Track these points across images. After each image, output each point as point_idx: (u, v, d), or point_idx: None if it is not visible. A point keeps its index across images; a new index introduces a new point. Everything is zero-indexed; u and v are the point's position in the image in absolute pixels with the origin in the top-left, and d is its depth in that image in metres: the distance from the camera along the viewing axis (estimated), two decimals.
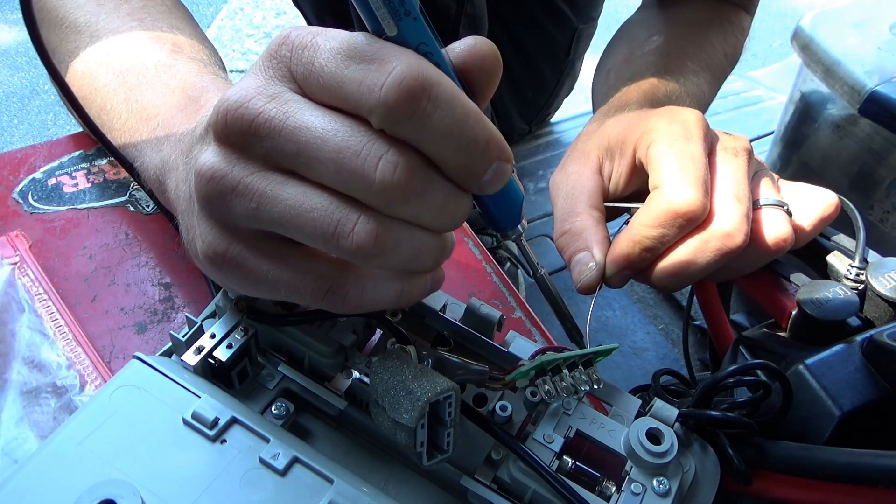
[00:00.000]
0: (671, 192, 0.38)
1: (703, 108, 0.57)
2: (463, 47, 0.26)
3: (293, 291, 0.28)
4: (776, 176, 0.43)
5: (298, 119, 0.25)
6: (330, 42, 0.25)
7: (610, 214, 0.44)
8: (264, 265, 0.28)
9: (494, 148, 0.25)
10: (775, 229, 0.39)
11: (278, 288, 0.28)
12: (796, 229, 0.40)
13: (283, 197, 0.26)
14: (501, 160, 0.26)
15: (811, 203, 0.42)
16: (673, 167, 0.38)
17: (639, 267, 0.40)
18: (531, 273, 0.38)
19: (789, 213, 0.40)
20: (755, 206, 0.40)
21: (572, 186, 0.43)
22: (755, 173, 0.42)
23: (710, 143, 0.41)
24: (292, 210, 0.26)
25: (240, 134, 0.26)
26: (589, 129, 0.49)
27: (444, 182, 0.26)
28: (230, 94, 0.26)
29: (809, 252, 0.45)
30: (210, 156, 0.27)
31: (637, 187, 0.44)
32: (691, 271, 0.38)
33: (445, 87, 0.24)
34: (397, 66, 0.24)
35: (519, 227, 0.32)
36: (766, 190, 0.41)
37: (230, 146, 0.27)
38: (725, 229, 0.37)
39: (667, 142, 0.40)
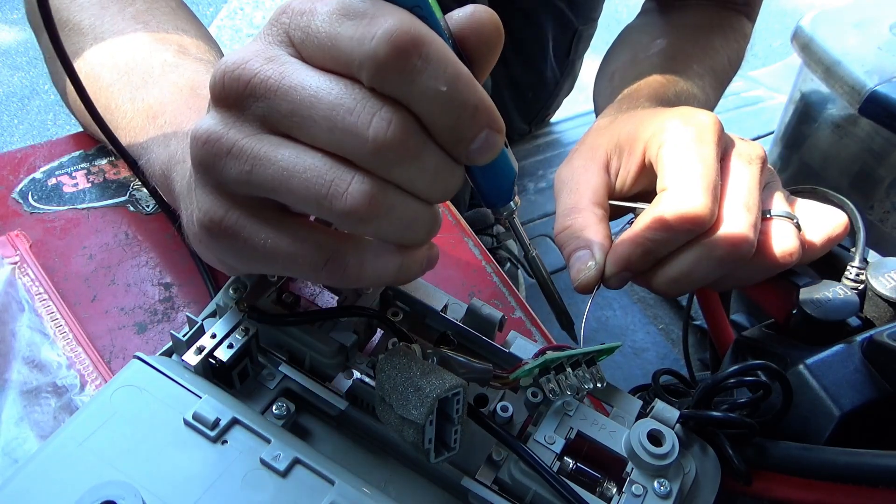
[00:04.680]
0: (679, 196, 0.37)
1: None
2: (462, 15, 0.26)
3: (291, 261, 0.27)
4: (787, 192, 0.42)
5: (293, 79, 0.25)
6: (327, 6, 0.25)
7: (613, 213, 0.43)
8: (262, 233, 0.27)
9: (484, 114, 0.25)
10: (783, 242, 0.38)
11: (276, 258, 0.28)
12: (804, 244, 0.39)
13: (276, 158, 0.26)
14: (492, 129, 0.25)
15: (821, 221, 0.41)
16: (683, 170, 0.38)
17: (639, 269, 0.39)
18: (523, 253, 0.37)
19: (798, 227, 0.39)
20: (765, 216, 0.39)
21: (577, 181, 0.43)
22: (767, 183, 0.41)
23: (724, 147, 0.40)
24: (285, 171, 0.25)
25: (237, 95, 0.26)
26: (600, 124, 0.48)
27: (437, 148, 0.26)
28: (228, 57, 0.26)
29: (823, 264, 0.44)
30: (207, 119, 0.27)
31: (644, 187, 0.43)
32: (693, 278, 0.38)
33: (437, 46, 0.24)
34: (390, 20, 0.24)
35: (511, 203, 0.31)
36: (777, 201, 0.40)
37: (227, 108, 0.27)
38: (732, 238, 0.36)
39: (679, 144, 0.39)
